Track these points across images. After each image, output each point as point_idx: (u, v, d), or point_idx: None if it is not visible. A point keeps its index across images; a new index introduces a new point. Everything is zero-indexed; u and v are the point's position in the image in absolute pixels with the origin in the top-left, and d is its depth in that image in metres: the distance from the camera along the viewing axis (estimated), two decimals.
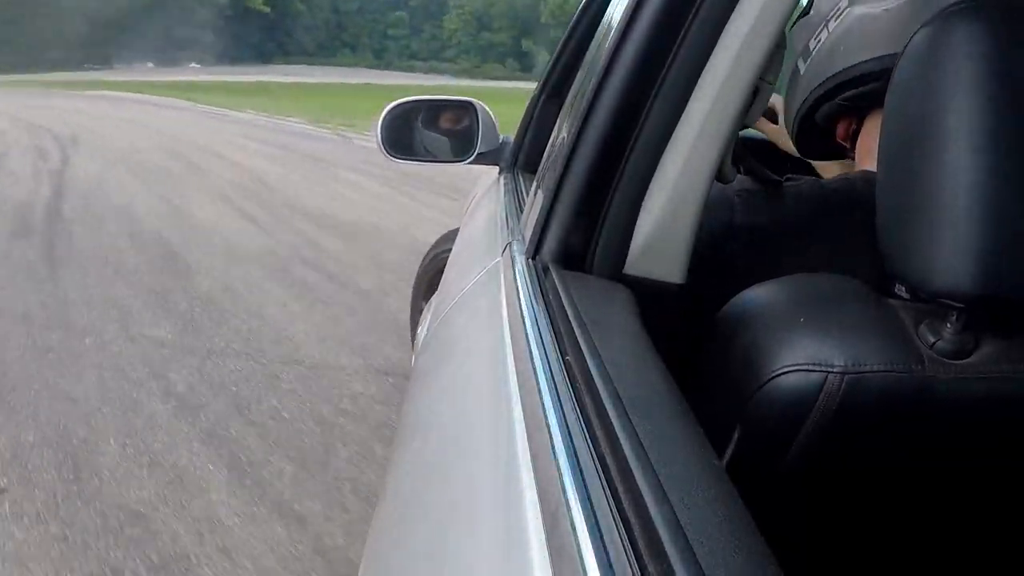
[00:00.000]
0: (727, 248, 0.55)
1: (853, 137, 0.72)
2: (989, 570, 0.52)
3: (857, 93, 0.69)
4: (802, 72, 0.75)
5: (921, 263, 0.44)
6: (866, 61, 0.66)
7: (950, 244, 0.42)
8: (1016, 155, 0.42)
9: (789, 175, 0.67)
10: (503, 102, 3.19)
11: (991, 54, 0.43)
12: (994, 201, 0.42)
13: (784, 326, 0.47)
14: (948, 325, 0.44)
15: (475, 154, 1.63)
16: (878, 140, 0.65)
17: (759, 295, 0.49)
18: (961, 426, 0.46)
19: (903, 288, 0.47)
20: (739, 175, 0.66)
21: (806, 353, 0.44)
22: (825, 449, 0.46)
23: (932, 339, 0.44)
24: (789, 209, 0.64)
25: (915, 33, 0.46)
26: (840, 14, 0.71)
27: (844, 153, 0.77)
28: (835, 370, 0.43)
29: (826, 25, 0.73)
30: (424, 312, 2.06)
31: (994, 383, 0.45)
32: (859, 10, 0.68)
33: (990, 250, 0.42)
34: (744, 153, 0.88)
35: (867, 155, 0.68)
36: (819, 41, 0.73)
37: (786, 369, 0.44)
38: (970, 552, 0.52)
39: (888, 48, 0.64)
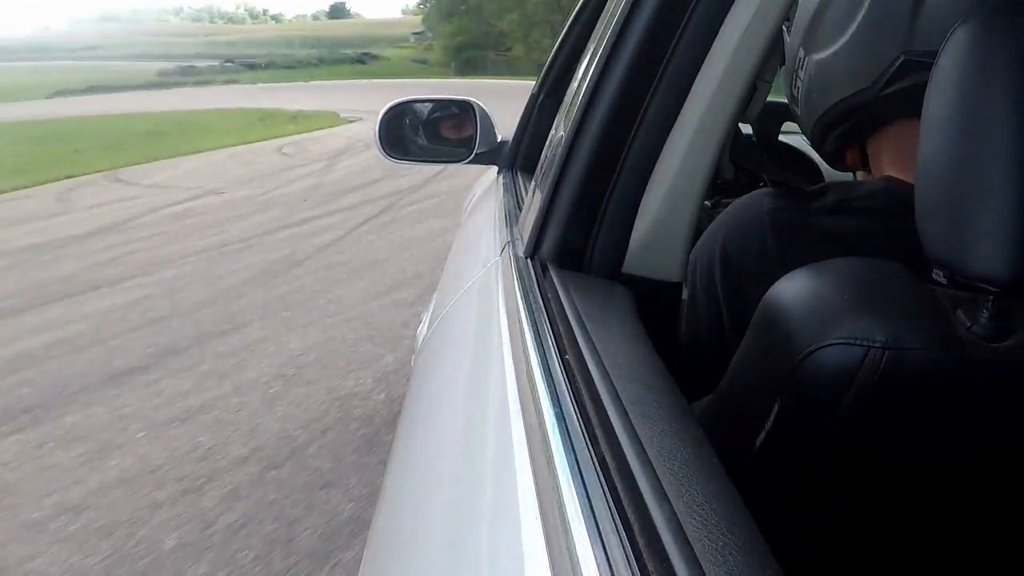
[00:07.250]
0: (770, 273, 0.56)
1: (863, 161, 0.73)
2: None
3: (844, 129, 0.69)
4: (799, 114, 0.77)
5: (958, 248, 0.44)
6: (836, 104, 0.67)
7: (986, 230, 0.43)
8: None
9: (816, 186, 0.67)
10: None
11: None
12: None
13: (827, 304, 0.47)
14: (984, 310, 0.45)
15: (474, 154, 1.63)
16: (888, 153, 0.67)
17: (802, 277, 0.50)
18: (998, 407, 0.47)
19: (940, 273, 0.47)
20: (766, 188, 0.66)
21: (849, 328, 0.45)
22: (864, 425, 0.46)
23: (969, 323, 0.45)
24: (825, 226, 0.64)
25: (955, 27, 0.46)
26: (803, 63, 0.72)
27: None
28: (876, 345, 0.44)
29: (797, 74, 0.75)
30: (424, 311, 2.06)
31: None
32: (816, 56, 0.69)
33: None
34: (756, 155, 0.88)
35: (883, 170, 0.69)
36: (797, 88, 0.75)
37: (829, 343, 0.45)
38: (1003, 544, 0.52)
39: (849, 88, 0.65)
